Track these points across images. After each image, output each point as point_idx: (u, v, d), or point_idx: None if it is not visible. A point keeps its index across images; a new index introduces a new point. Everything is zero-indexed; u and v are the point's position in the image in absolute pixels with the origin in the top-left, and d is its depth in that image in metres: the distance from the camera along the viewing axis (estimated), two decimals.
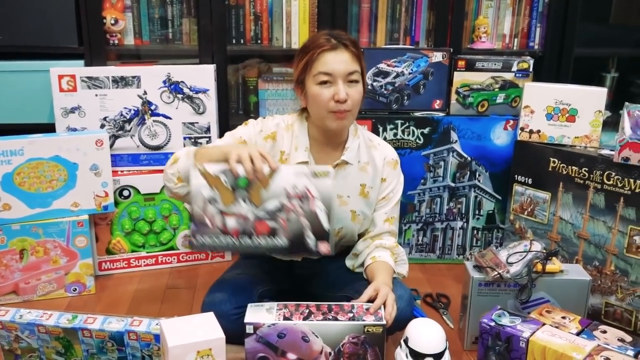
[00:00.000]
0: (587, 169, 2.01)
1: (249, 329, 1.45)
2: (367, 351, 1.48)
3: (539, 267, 1.79)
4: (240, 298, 1.68)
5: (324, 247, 1.50)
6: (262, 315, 1.48)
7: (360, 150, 1.77)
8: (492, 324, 1.63)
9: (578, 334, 1.57)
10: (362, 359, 1.49)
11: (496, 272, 1.78)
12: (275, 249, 1.51)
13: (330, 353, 1.48)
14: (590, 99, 2.09)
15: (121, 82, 2.23)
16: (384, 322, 1.48)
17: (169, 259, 2.39)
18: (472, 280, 1.81)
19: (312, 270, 1.86)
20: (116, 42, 2.36)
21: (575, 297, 1.78)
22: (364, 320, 1.49)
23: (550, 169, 2.12)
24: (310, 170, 1.50)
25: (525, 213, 2.22)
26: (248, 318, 1.46)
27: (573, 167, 2.05)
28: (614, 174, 1.94)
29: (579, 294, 1.79)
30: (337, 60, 1.61)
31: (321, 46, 1.62)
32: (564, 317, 1.67)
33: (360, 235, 1.84)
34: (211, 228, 1.48)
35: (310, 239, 1.49)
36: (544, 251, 1.84)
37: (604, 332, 1.60)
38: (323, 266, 1.84)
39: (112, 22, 2.31)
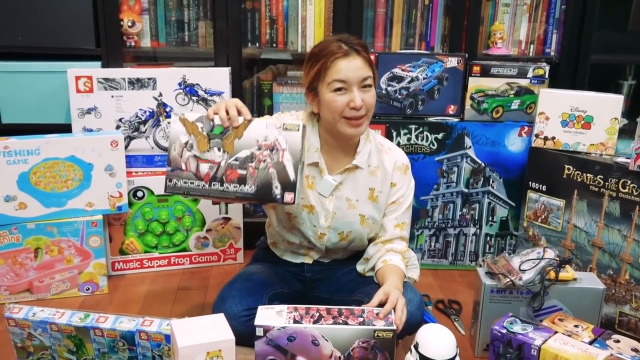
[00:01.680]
0: (602, 177, 1.99)
1: (259, 332, 1.45)
2: (377, 356, 1.48)
3: (552, 274, 1.78)
4: (251, 300, 1.68)
5: (289, 197, 1.54)
6: (272, 317, 1.48)
7: (371, 154, 1.77)
8: (504, 331, 1.62)
9: (590, 343, 1.56)
10: None
11: (508, 279, 1.77)
12: (243, 195, 1.55)
13: (340, 357, 1.48)
14: (606, 106, 2.08)
15: (137, 83, 2.24)
16: (394, 327, 1.48)
17: (181, 261, 2.40)
18: (484, 287, 1.79)
19: (323, 273, 1.86)
20: (133, 44, 2.37)
21: (588, 306, 1.77)
22: (374, 325, 1.48)
23: (564, 176, 2.10)
24: (281, 122, 1.55)
25: (539, 220, 2.21)
26: (258, 320, 1.47)
27: (588, 175, 2.04)
28: (629, 182, 1.92)
29: (592, 302, 1.77)
30: (351, 68, 1.61)
31: (334, 53, 1.61)
32: (576, 326, 1.65)
33: (371, 240, 1.84)
34: (185, 172, 1.56)
35: (277, 188, 1.54)
36: (557, 259, 1.82)
37: (617, 341, 1.59)
38: (334, 270, 1.84)
39: (129, 24, 2.33)
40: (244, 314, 1.65)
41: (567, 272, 1.80)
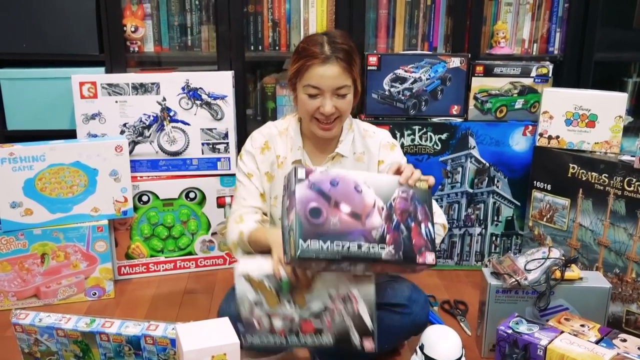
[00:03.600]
0: (607, 175, 1.98)
1: (301, 174, 1.34)
2: (417, 208, 1.40)
3: (558, 274, 1.77)
4: None
5: (369, 344, 1.49)
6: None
7: (355, 141, 1.77)
8: (510, 331, 1.62)
9: (597, 343, 1.55)
10: (414, 216, 1.40)
11: (514, 279, 1.77)
12: (321, 345, 1.50)
13: (382, 207, 1.38)
14: (610, 105, 2.07)
15: (141, 88, 2.25)
16: (430, 177, 1.44)
17: (187, 264, 2.40)
18: (490, 287, 1.79)
19: None
20: (136, 49, 2.38)
21: (595, 305, 1.76)
22: None
23: (569, 175, 2.09)
24: (352, 274, 1.46)
25: (545, 219, 2.20)
26: (300, 169, 1.36)
27: (593, 173, 2.02)
28: (634, 180, 1.91)
29: (598, 301, 1.76)
30: (327, 75, 1.59)
31: (313, 57, 1.59)
32: (583, 325, 1.64)
33: None
34: (259, 329, 1.48)
35: (356, 338, 1.49)
36: (563, 258, 1.81)
37: (624, 340, 1.58)
38: None
39: (133, 29, 2.34)
40: None
41: (573, 272, 1.79)
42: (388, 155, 1.77)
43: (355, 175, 1.39)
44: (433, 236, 1.41)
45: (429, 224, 1.41)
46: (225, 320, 1.44)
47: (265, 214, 1.75)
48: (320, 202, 1.33)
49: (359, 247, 1.33)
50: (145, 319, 1.89)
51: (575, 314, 1.74)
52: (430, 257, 1.39)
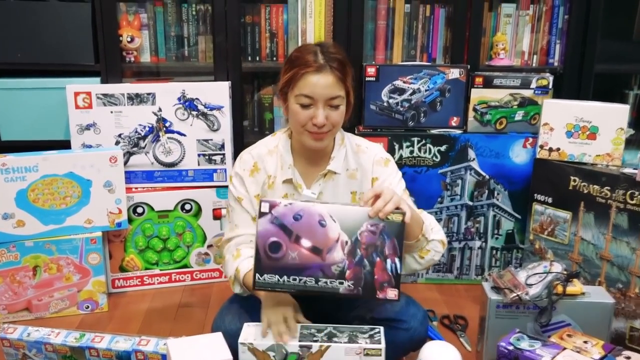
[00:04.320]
0: (609, 188, 1.95)
1: (265, 208, 1.37)
2: (385, 243, 1.38)
3: (560, 289, 1.73)
4: (250, 318, 1.64)
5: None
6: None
7: (347, 157, 1.72)
8: (511, 347, 1.58)
9: None
10: (380, 251, 1.39)
11: (515, 294, 1.73)
12: None
13: (346, 242, 1.38)
14: (611, 117, 2.04)
15: (136, 99, 2.22)
16: (405, 210, 1.39)
17: (182, 277, 2.37)
18: (490, 302, 1.75)
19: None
20: (132, 59, 2.36)
21: (597, 321, 1.72)
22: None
23: (570, 188, 2.06)
24: (361, 347, 1.44)
25: (546, 233, 2.17)
26: (263, 203, 1.38)
27: (594, 186, 2.00)
28: (637, 193, 1.88)
29: (601, 317, 1.72)
30: (321, 85, 1.56)
31: (306, 66, 1.56)
32: (585, 342, 1.61)
33: None
34: None
35: None
36: (565, 272, 1.78)
37: (628, 357, 1.54)
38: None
39: (129, 39, 2.32)
40: None
41: (575, 286, 1.75)
42: (382, 172, 1.73)
43: (322, 208, 1.39)
44: (399, 271, 1.40)
45: (396, 259, 1.40)
46: (218, 336, 1.42)
47: None
48: (281, 237, 1.37)
49: (317, 281, 1.38)
50: (138, 333, 1.91)
51: (577, 330, 1.70)
52: (391, 293, 1.40)
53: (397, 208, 1.40)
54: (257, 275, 1.38)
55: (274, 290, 1.40)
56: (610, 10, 2.40)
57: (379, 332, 1.50)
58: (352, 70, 1.65)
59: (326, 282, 1.38)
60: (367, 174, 1.73)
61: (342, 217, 1.39)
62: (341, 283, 1.38)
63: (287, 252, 1.37)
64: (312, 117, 1.58)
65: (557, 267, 1.79)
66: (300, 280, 1.38)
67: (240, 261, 1.63)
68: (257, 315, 1.65)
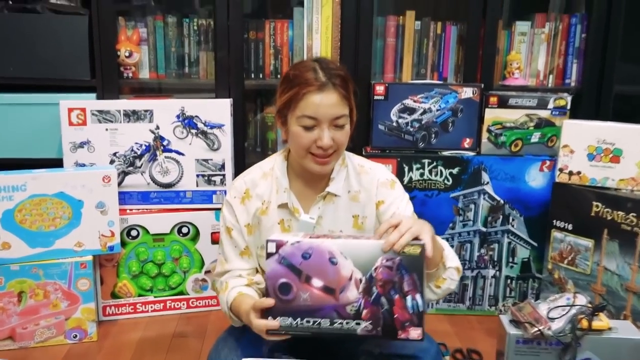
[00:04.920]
0: (635, 215, 1.85)
1: (271, 248, 1.30)
2: (404, 278, 1.27)
3: (585, 323, 1.62)
4: (250, 351, 1.51)
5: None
6: (286, 235, 1.34)
7: (349, 178, 1.60)
8: None
9: None
10: (398, 287, 1.28)
11: (536, 329, 1.61)
12: None
13: (360, 280, 1.28)
14: (636, 138, 1.95)
15: (133, 116, 2.14)
16: (423, 241, 1.28)
17: (177, 305, 2.27)
18: (509, 337, 1.64)
19: None
20: (130, 75, 2.27)
21: (626, 359, 1.60)
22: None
23: (593, 214, 1.97)
24: None
25: (566, 262, 2.06)
26: (270, 243, 1.31)
27: (619, 212, 1.90)
28: None
29: (630, 355, 1.60)
30: (324, 104, 1.44)
31: (307, 84, 1.44)
32: None
33: None
34: None
35: None
36: (590, 305, 1.65)
37: None
38: None
39: (127, 54, 2.23)
40: None
41: (602, 321, 1.64)
42: (388, 195, 1.61)
43: (332, 245, 1.30)
44: (421, 308, 1.29)
45: (417, 295, 1.29)
46: None
47: (257, 269, 1.62)
48: (290, 278, 1.30)
49: (332, 322, 1.30)
50: None
51: None
52: (414, 333, 1.29)
53: (416, 238, 1.29)
54: (270, 318, 1.31)
55: (288, 334, 1.31)
56: (629, 28, 2.32)
57: None
58: (354, 85, 1.53)
59: (342, 324, 1.29)
60: (372, 196, 1.60)
61: (354, 253, 1.29)
62: (358, 324, 1.29)
63: (298, 294, 1.30)
64: (316, 140, 1.46)
65: (582, 300, 1.68)
66: (314, 322, 1.30)
67: (228, 293, 1.53)
68: (257, 349, 1.53)
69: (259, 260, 1.61)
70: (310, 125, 1.45)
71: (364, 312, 1.28)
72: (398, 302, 1.28)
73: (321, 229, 1.57)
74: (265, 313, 1.31)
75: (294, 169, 1.59)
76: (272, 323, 1.31)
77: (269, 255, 1.30)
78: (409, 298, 1.28)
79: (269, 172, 1.60)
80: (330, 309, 1.29)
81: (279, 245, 1.30)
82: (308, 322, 1.30)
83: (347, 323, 1.29)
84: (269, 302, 1.30)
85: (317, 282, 1.29)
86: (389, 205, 1.59)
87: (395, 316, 1.28)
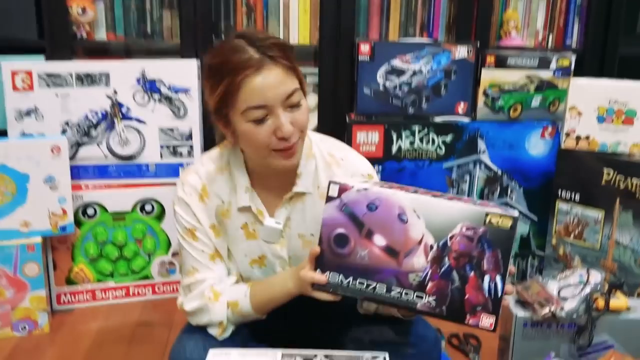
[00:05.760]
0: None
1: (333, 191, 1.18)
2: (485, 254, 1.11)
3: (601, 303, 1.47)
4: (217, 343, 1.31)
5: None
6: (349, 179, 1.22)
7: (318, 172, 1.36)
8: None
9: None
10: (476, 263, 1.12)
11: (547, 310, 1.45)
12: None
13: (432, 246, 1.13)
14: None
15: (87, 79, 1.95)
16: (516, 213, 1.12)
17: (142, 291, 2.12)
18: (516, 320, 1.49)
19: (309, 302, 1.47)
20: (84, 35, 2.06)
21: None
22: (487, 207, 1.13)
23: (603, 183, 1.87)
24: None
25: (572, 236, 1.96)
26: (332, 185, 1.19)
27: (633, 180, 1.79)
28: None
29: None
30: (269, 85, 1.18)
31: (241, 69, 1.18)
32: None
33: None
34: None
35: None
36: (606, 283, 1.51)
37: None
38: (324, 303, 1.45)
39: (80, 11, 2.01)
40: None
41: (619, 300, 1.49)
42: None
43: (404, 199, 1.15)
44: (500, 293, 1.11)
45: (497, 277, 1.11)
46: None
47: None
48: (349, 229, 1.17)
49: (388, 290, 1.17)
50: (84, 359, 1.73)
51: (623, 353, 1.44)
52: (487, 321, 1.13)
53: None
54: (319, 271, 1.19)
55: (336, 294, 1.19)
56: None
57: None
58: (294, 52, 1.27)
59: (400, 293, 1.16)
60: None
61: (430, 213, 1.13)
62: (420, 297, 1.15)
63: (355, 249, 1.17)
64: (274, 131, 1.20)
65: (596, 277, 1.54)
66: (368, 285, 1.17)
67: (230, 295, 1.32)
68: (226, 340, 1.32)
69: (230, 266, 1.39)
70: (261, 116, 1.19)
71: (429, 284, 1.14)
72: (473, 280, 1.12)
73: (290, 231, 1.36)
74: (315, 266, 1.19)
75: (253, 168, 1.33)
76: (319, 276, 1.18)
77: (329, 198, 1.18)
78: (486, 278, 1.11)
79: (225, 166, 1.34)
80: (389, 274, 1.16)
81: (343, 189, 1.17)
82: (361, 283, 1.17)
83: (406, 294, 1.15)
84: (317, 249, 1.18)
85: (379, 240, 1.16)
86: None
87: (466, 296, 1.12)
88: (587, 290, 1.48)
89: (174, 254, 2.08)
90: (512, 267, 1.13)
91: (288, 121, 1.20)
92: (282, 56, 1.19)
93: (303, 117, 1.23)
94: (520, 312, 1.48)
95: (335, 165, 1.36)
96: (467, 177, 2.09)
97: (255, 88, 1.17)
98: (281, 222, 1.34)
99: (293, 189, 1.32)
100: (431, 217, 1.13)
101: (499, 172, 2.09)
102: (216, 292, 1.32)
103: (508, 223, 1.09)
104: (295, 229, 1.35)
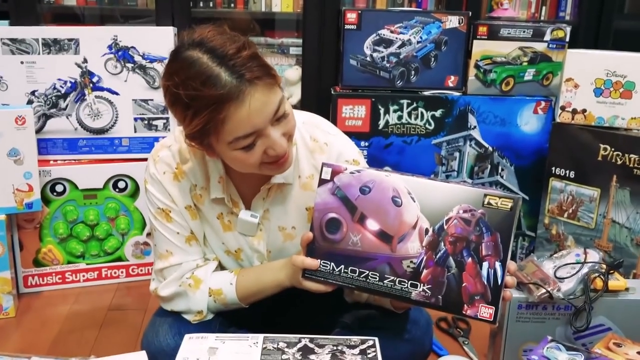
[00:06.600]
0: None
1: (326, 174, 1.14)
2: (483, 238, 1.06)
3: (599, 283, 1.41)
4: (194, 329, 1.22)
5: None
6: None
7: (299, 160, 1.27)
8: None
9: None
10: (474, 249, 1.06)
11: (544, 290, 1.39)
12: None
13: (426, 230, 1.09)
14: None
15: (54, 46, 1.86)
16: (519, 195, 1.06)
17: (114, 273, 2.05)
18: (510, 301, 1.41)
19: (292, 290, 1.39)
20: (52, 0, 1.94)
21: None
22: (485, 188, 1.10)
23: (599, 159, 1.82)
24: None
25: (566, 215, 1.91)
26: (325, 168, 1.16)
27: (631, 156, 1.74)
28: None
29: None
30: (255, 110, 1.06)
31: (222, 102, 1.04)
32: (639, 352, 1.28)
33: None
34: None
35: None
36: (604, 263, 1.45)
37: None
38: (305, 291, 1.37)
39: None
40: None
41: (618, 280, 1.43)
42: None
43: (398, 181, 1.11)
44: (500, 281, 1.05)
45: (497, 264, 1.05)
46: (142, 355, 1.07)
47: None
48: (342, 213, 1.14)
49: (381, 278, 1.13)
50: (53, 343, 1.68)
51: (620, 335, 1.38)
52: (485, 312, 1.07)
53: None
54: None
55: (327, 283, 1.15)
56: None
57: (373, 345, 1.14)
58: (261, 54, 1.12)
59: (394, 282, 1.11)
60: None
61: (425, 195, 1.09)
62: (414, 286, 1.11)
63: (347, 234, 1.13)
64: (265, 149, 1.11)
65: (594, 256, 1.48)
66: (360, 273, 1.13)
67: (214, 282, 1.25)
68: (204, 325, 1.24)
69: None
70: (250, 142, 1.09)
71: (424, 272, 1.10)
72: (470, 267, 1.07)
73: (269, 223, 1.27)
74: (305, 253, 1.15)
75: None
76: (310, 260, 1.13)
77: (322, 182, 1.15)
78: (485, 265, 1.06)
79: (195, 150, 1.22)
80: (382, 260, 1.12)
81: (336, 172, 1.14)
82: (353, 272, 1.13)
83: (399, 282, 1.11)
84: (310, 235, 1.14)
85: (372, 225, 1.12)
86: None
87: (463, 285, 1.08)
88: (585, 270, 1.42)
89: (149, 234, 2.00)
90: (511, 265, 1.07)
91: (279, 135, 1.09)
92: (258, 68, 1.05)
93: (291, 124, 1.14)
94: (515, 293, 1.41)
95: (318, 152, 1.26)
96: (457, 154, 2.03)
97: (241, 119, 1.04)
98: (257, 215, 1.24)
99: (271, 180, 1.22)
100: (427, 200, 1.08)
101: (490, 149, 2.04)
102: (197, 278, 1.23)
103: (508, 204, 1.04)
104: (274, 222, 1.26)
